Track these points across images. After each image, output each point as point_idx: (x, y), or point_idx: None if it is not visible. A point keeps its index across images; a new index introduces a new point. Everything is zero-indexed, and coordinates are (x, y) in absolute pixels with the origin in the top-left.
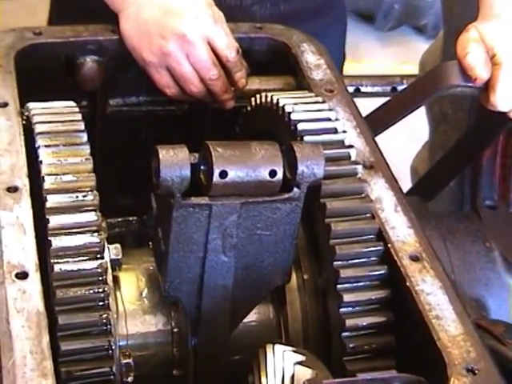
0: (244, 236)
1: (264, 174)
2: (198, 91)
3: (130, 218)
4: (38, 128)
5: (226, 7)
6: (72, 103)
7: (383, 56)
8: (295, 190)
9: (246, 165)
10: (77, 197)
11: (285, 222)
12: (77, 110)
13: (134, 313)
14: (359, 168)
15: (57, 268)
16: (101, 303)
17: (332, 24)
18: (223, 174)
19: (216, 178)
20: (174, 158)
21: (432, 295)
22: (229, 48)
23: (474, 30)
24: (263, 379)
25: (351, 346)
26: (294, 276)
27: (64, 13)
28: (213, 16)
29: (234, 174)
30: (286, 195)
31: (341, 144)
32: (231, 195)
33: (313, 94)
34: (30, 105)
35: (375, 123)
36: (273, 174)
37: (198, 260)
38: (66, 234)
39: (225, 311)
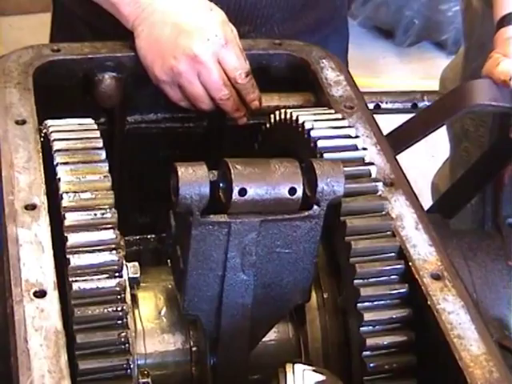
0: (263, 254)
1: (283, 191)
2: (209, 109)
3: (149, 236)
4: (56, 145)
5: None
6: (90, 120)
7: (403, 72)
8: (315, 207)
9: (265, 182)
10: (95, 214)
11: (304, 240)
12: (95, 126)
13: (152, 331)
14: (380, 185)
15: (75, 286)
16: (119, 322)
17: (331, 36)
18: (242, 192)
19: (235, 195)
20: (193, 176)
21: (454, 314)
22: (238, 70)
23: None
24: None
25: (372, 365)
26: (313, 294)
27: (65, 31)
28: (225, 37)
29: (253, 191)
30: (306, 213)
31: (361, 161)
32: (250, 213)
33: (333, 111)
34: (49, 122)
35: (398, 140)
36: (292, 191)
37: (216, 278)
38: (84, 252)
39: (244, 330)
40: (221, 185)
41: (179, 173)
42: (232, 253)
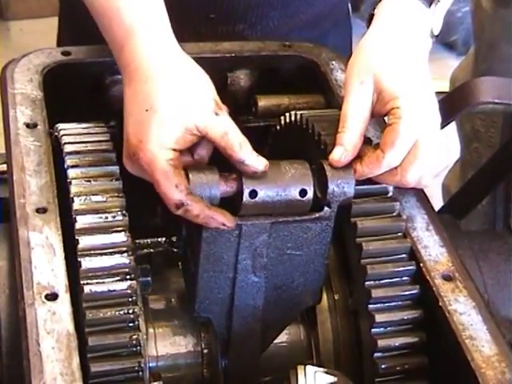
0: (274, 256)
1: (294, 193)
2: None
3: (160, 239)
4: (67, 148)
5: (219, 34)
6: (101, 123)
7: None
8: (326, 209)
9: (276, 184)
10: (106, 217)
11: (315, 241)
12: (105, 129)
13: (163, 334)
14: (390, 187)
15: (87, 289)
16: (130, 324)
17: (331, 31)
18: (253, 194)
19: (246, 197)
20: (204, 179)
21: (465, 315)
22: (169, 201)
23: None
24: None
25: (383, 366)
26: (324, 296)
27: (72, 38)
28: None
29: (263, 193)
30: (317, 214)
31: None
32: (261, 215)
33: None
34: (59, 125)
35: None
36: (303, 193)
37: (227, 280)
38: (95, 255)
39: (255, 332)
40: (232, 188)
41: (190, 175)
42: (243, 255)
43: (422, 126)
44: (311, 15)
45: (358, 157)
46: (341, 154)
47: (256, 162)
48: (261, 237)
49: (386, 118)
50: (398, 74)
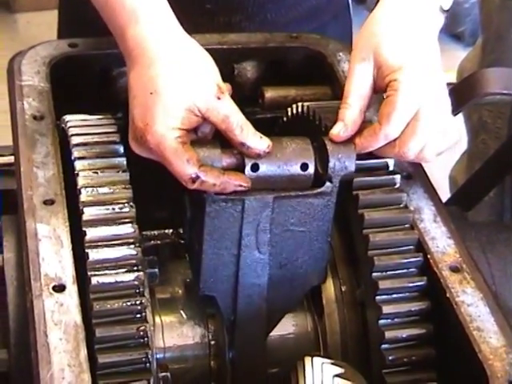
0: (278, 232)
1: (295, 167)
2: None
3: (166, 231)
4: (74, 140)
5: (216, 25)
6: (108, 115)
7: None
8: (327, 184)
9: (277, 158)
10: (113, 209)
11: (318, 217)
12: (113, 121)
13: (170, 325)
14: (397, 178)
15: (94, 280)
16: (138, 316)
17: (330, 23)
18: (255, 167)
19: (248, 171)
20: (206, 152)
21: (473, 306)
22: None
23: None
24: None
25: (391, 358)
26: (332, 288)
27: (72, 30)
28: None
29: (265, 167)
30: (319, 189)
31: None
32: (263, 189)
33: None
34: (66, 117)
35: None
36: (304, 167)
37: (232, 257)
38: (102, 247)
39: (261, 312)
40: (234, 161)
41: (195, 148)
42: (247, 230)
43: (421, 99)
44: (309, 7)
45: (358, 132)
46: (340, 129)
47: (259, 143)
48: (264, 212)
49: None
50: (397, 47)
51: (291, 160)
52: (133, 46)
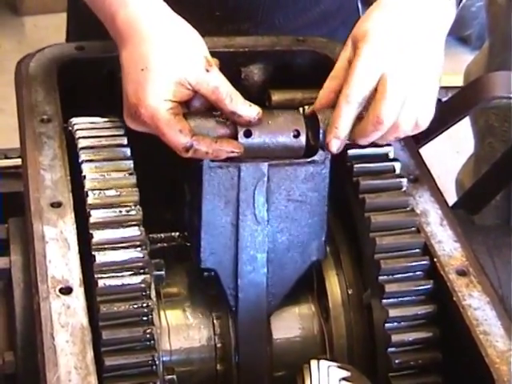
0: (275, 203)
1: (287, 134)
2: None
3: (173, 233)
4: (82, 143)
5: (225, 33)
6: (115, 118)
7: None
8: (320, 152)
9: (268, 125)
10: (120, 212)
11: (313, 188)
12: (120, 124)
13: (177, 328)
14: (404, 181)
15: (101, 283)
16: (144, 318)
17: (339, 29)
18: (247, 133)
19: (241, 137)
20: (200, 122)
21: (479, 310)
22: (177, 147)
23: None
24: None
25: (397, 361)
26: (338, 291)
27: (81, 32)
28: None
29: (257, 134)
30: (312, 158)
31: (385, 157)
32: (258, 158)
33: None
34: (74, 120)
35: (418, 135)
36: (296, 133)
37: (231, 227)
38: (109, 249)
39: (262, 287)
40: (227, 131)
41: (189, 120)
42: (243, 197)
43: (383, 63)
44: (318, 13)
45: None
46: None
47: (248, 110)
48: (260, 180)
49: None
50: (367, 20)
51: (283, 127)
52: (124, 28)
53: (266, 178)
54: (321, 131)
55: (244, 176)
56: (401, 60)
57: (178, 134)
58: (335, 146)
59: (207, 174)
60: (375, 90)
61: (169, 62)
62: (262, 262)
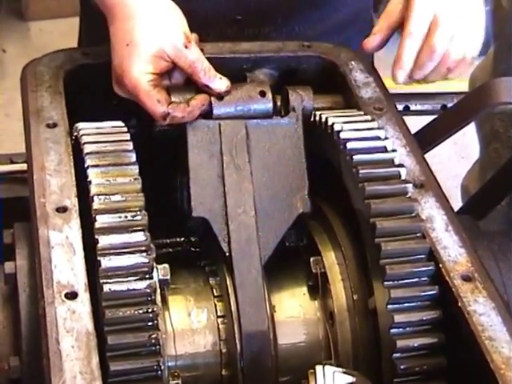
0: (257, 157)
1: (255, 94)
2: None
3: (178, 239)
4: (87, 148)
5: (245, 37)
6: (120, 123)
7: None
8: (291, 112)
9: (237, 90)
10: (126, 217)
11: (290, 145)
12: (125, 129)
13: (182, 333)
14: (409, 187)
15: (106, 288)
16: (150, 323)
17: (354, 38)
18: (219, 96)
19: (214, 100)
20: (182, 89)
21: (485, 316)
22: (155, 115)
23: None
24: None
25: (402, 367)
26: (343, 296)
27: (93, 32)
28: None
29: (228, 97)
30: (284, 117)
31: (390, 163)
32: (235, 117)
33: (362, 113)
34: (79, 125)
35: (423, 141)
36: (262, 93)
37: (217, 178)
38: (115, 254)
39: (253, 237)
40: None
41: (171, 94)
42: (226, 148)
43: (436, 3)
44: (336, 21)
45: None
46: (370, 37)
47: (219, 83)
48: (239, 134)
49: None
50: None
51: (249, 89)
52: (112, 5)
53: (244, 133)
54: (290, 96)
55: (224, 130)
56: (450, 1)
57: (156, 104)
58: (401, 76)
59: (190, 130)
60: (429, 28)
61: (150, 36)
62: (250, 205)
